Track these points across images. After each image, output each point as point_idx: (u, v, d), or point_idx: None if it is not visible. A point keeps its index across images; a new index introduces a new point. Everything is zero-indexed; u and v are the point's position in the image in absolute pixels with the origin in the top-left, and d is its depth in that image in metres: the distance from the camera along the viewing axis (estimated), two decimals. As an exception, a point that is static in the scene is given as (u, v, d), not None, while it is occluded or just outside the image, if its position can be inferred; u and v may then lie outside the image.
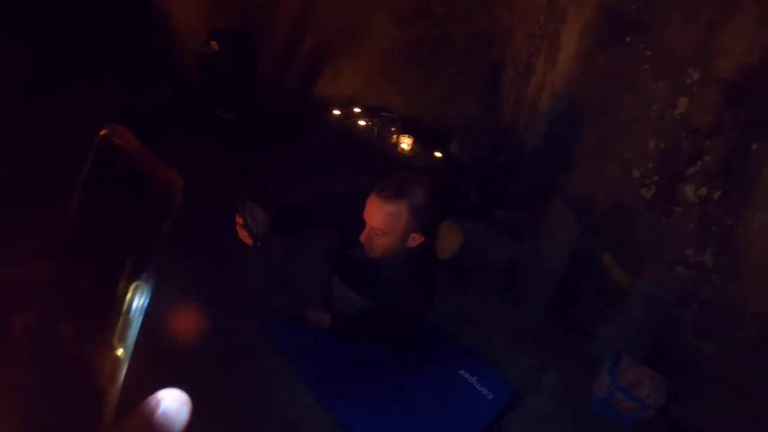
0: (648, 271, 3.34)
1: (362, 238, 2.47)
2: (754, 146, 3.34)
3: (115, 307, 0.44)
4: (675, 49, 3.48)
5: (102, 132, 0.45)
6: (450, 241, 3.38)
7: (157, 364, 0.45)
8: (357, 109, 5.01)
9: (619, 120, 3.55)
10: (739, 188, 3.33)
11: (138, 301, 0.45)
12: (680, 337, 3.43)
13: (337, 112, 4.99)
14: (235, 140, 5.06)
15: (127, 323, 0.44)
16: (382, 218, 2.42)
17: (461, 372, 3.00)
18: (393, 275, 2.62)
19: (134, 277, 0.44)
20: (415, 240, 2.52)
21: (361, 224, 2.48)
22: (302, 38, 5.55)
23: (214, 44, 5.45)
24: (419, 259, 2.64)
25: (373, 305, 2.76)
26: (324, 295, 2.94)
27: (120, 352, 0.44)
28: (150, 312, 0.46)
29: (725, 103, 3.41)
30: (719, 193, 3.35)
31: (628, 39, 3.58)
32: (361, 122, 4.83)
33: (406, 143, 4.56)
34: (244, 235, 2.44)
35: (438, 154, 4.50)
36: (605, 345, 3.38)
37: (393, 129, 4.65)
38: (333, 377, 2.74)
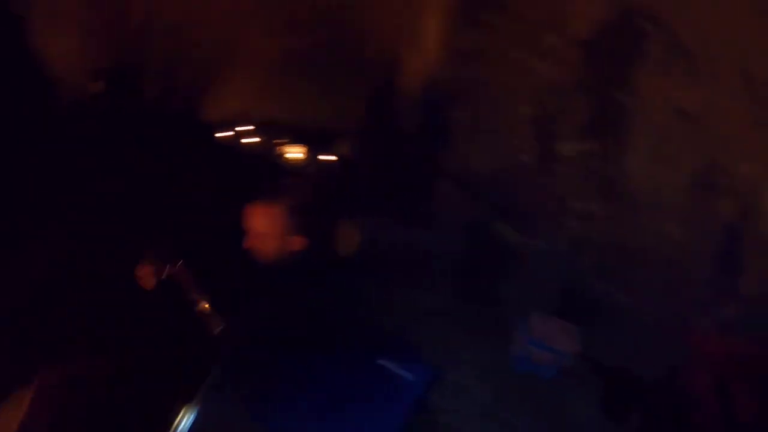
0: (539, 230, 3.49)
1: (245, 244, 2.52)
2: (619, 97, 3.53)
3: (168, 423, 0.49)
4: (530, 17, 3.64)
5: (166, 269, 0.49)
6: (347, 238, 3.45)
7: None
8: (245, 128, 5.02)
9: (488, 93, 3.69)
10: (612, 137, 3.51)
11: (186, 419, 0.50)
12: (587, 285, 3.59)
13: (226, 134, 4.99)
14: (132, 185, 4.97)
15: None
16: (260, 222, 2.48)
17: (380, 361, 3.05)
18: (291, 280, 2.66)
19: (187, 399, 0.49)
20: (298, 242, 2.57)
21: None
22: (180, 66, 5.51)
23: (97, 85, 5.35)
24: (313, 260, 2.69)
25: (279, 314, 2.79)
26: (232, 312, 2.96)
27: None
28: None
29: (586, 62, 3.59)
30: (595, 145, 3.52)
31: (484, 16, 3.72)
32: (252, 140, 4.85)
33: (298, 153, 4.61)
34: (150, 284, 2.47)
35: (330, 158, 4.56)
36: (516, 308, 3.51)
37: (283, 141, 4.69)
38: (255, 388, 2.75)
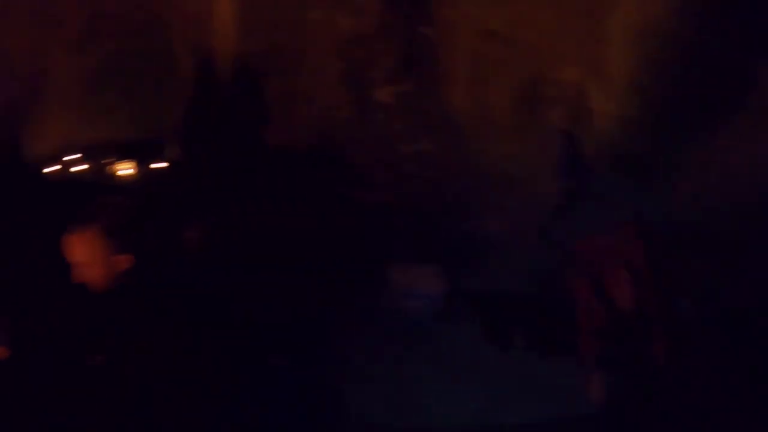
0: (378, 181, 3.44)
1: (73, 278, 2.33)
2: (426, 31, 3.49)
3: None
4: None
5: None
6: (191, 239, 3.31)
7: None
8: (72, 156, 4.73)
9: (298, 60, 3.59)
10: (427, 73, 3.48)
11: None
12: (442, 222, 3.56)
13: (53, 167, 4.69)
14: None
15: None
16: (76, 251, 2.29)
17: (269, 358, 2.96)
18: (131, 303, 2.49)
19: None
20: (124, 261, 2.40)
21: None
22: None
23: None
24: (148, 275, 2.52)
25: (146, 341, 2.61)
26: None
27: None
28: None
29: (386, 7, 3.53)
30: (410, 84, 3.48)
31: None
32: (80, 167, 4.57)
33: (128, 169, 4.38)
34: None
35: (161, 165, 4.37)
36: (378, 264, 3.45)
37: (112, 160, 4.45)
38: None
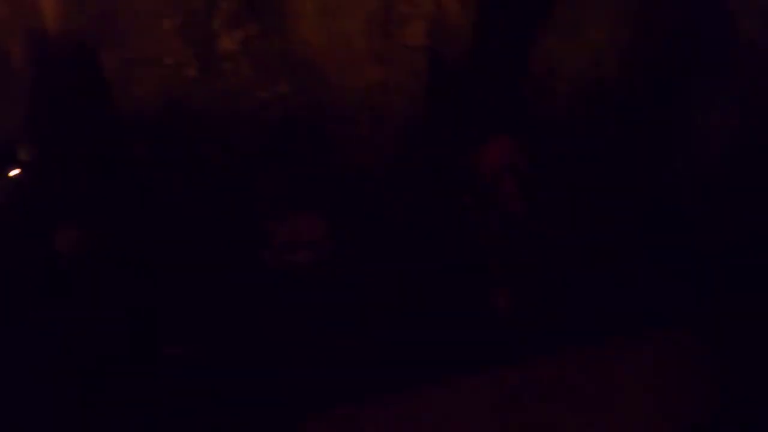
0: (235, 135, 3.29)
1: None
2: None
3: None
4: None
5: None
6: (64, 244, 3.16)
7: None
8: None
9: (132, 22, 3.33)
10: (269, 12, 3.30)
11: None
12: (312, 164, 3.44)
13: None
14: None
15: None
16: None
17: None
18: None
19: None
20: None
21: None
22: None
23: None
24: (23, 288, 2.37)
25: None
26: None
27: None
28: None
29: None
30: (255, 27, 3.30)
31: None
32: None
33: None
34: None
35: (16, 170, 4.08)
36: (252, 221, 3.32)
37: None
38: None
